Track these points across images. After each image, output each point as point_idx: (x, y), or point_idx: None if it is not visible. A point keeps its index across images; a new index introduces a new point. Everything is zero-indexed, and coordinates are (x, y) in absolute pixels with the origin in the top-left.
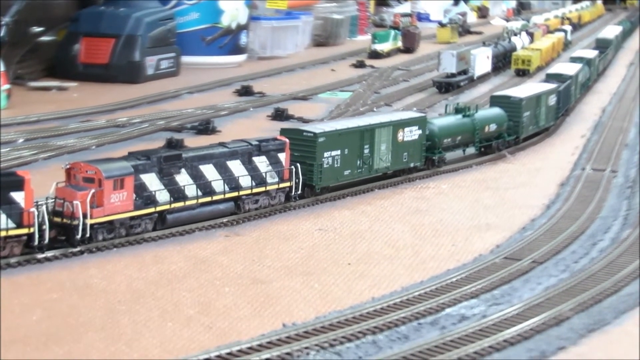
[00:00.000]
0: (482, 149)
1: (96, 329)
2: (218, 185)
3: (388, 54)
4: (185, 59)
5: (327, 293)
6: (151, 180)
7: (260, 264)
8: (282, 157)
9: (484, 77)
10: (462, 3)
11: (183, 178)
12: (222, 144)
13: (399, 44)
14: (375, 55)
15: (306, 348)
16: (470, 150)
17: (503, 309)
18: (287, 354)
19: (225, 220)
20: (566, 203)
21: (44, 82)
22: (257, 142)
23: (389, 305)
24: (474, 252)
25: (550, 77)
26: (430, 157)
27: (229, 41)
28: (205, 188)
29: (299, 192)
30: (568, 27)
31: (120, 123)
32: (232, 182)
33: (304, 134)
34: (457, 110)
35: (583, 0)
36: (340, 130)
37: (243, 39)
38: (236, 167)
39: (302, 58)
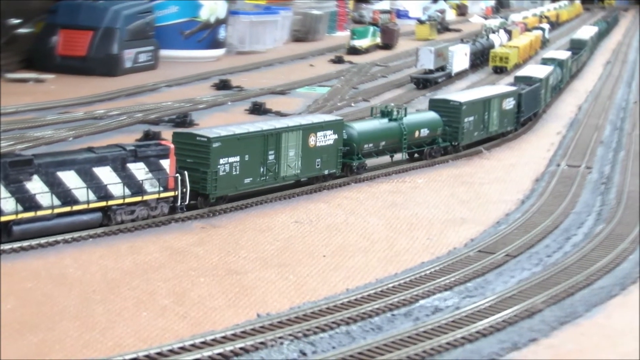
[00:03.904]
0: (416, 155)
1: (70, 318)
2: (81, 194)
3: (366, 50)
4: (164, 52)
5: (302, 284)
6: None
7: (236, 255)
8: (166, 163)
9: (461, 74)
10: (441, 0)
11: (35, 186)
12: (89, 149)
13: (378, 40)
14: (353, 51)
15: (280, 338)
16: (400, 156)
17: (476, 301)
18: (261, 343)
19: (201, 211)
20: (540, 198)
21: (21, 74)
22: (132, 147)
23: (363, 296)
24: (448, 246)
25: (519, 80)
26: (348, 163)
27: (207, 35)
28: (65, 197)
29: (186, 202)
30: (546, 26)
31: (98, 115)
32: (100, 191)
33: (197, 138)
34: (383, 114)
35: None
36: (239, 134)
37: (222, 33)
38: (105, 174)
39: (280, 53)
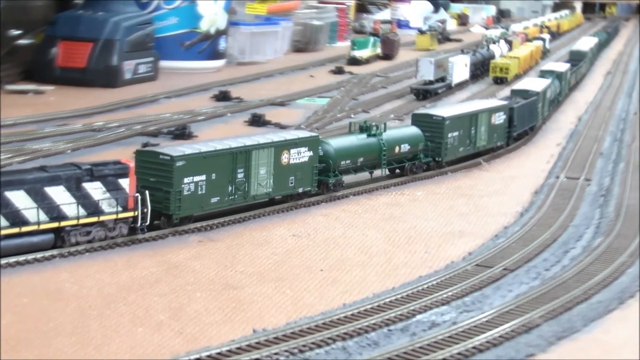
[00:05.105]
0: (397, 170)
1: (66, 334)
2: (32, 214)
3: (367, 61)
4: (164, 63)
5: (299, 299)
6: None
7: (233, 269)
8: (125, 183)
9: (461, 85)
10: (442, 10)
11: None
12: (41, 168)
13: (378, 50)
14: (354, 61)
15: (275, 354)
16: (379, 172)
17: (473, 315)
18: (257, 359)
19: (199, 225)
20: (539, 211)
21: (21, 85)
22: (89, 166)
23: (359, 311)
24: (446, 259)
25: (515, 93)
26: (325, 180)
27: (207, 46)
28: (14, 218)
29: (147, 222)
30: (547, 36)
31: (96, 127)
32: (53, 212)
33: (161, 157)
34: (362, 129)
35: (562, 10)
36: (206, 152)
37: (222, 44)
38: (58, 194)
39: (281, 64)
